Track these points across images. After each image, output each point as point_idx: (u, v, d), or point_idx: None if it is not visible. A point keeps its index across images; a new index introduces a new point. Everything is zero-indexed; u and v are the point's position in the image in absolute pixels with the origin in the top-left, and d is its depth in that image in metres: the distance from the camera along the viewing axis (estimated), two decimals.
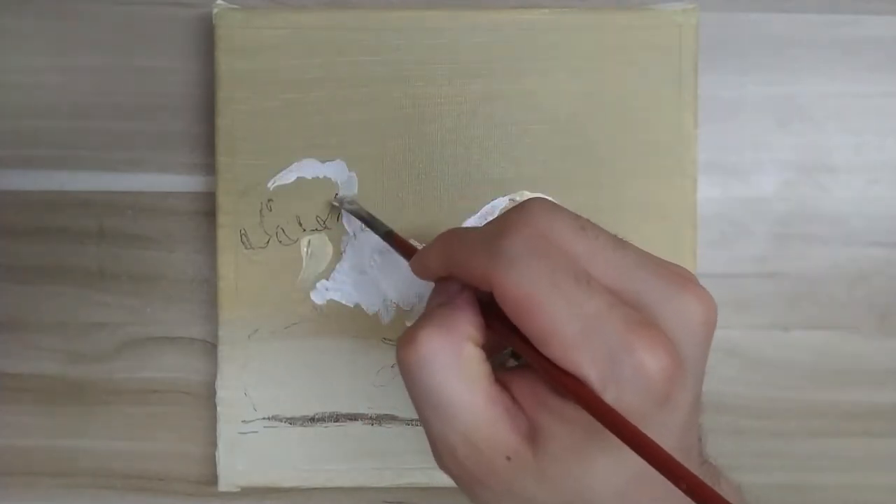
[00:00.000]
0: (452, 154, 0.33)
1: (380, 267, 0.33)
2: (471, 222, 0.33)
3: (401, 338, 0.22)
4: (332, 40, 0.33)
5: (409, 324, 0.33)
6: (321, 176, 0.33)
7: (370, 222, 0.31)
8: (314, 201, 0.33)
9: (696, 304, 0.21)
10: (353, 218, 0.33)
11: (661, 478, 0.18)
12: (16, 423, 0.35)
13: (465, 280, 0.23)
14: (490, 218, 0.33)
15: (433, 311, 0.23)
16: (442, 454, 0.23)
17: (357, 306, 0.33)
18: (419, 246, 0.26)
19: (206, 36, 0.34)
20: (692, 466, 0.23)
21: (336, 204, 0.32)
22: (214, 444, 0.33)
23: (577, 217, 0.22)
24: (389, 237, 0.30)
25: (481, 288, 0.22)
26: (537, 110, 0.33)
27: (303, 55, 0.33)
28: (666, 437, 0.20)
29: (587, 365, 0.20)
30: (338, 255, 0.33)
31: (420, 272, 0.24)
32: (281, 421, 0.33)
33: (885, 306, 0.35)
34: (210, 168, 0.34)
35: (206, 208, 0.34)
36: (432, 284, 0.25)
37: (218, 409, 0.33)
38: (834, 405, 0.35)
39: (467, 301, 0.23)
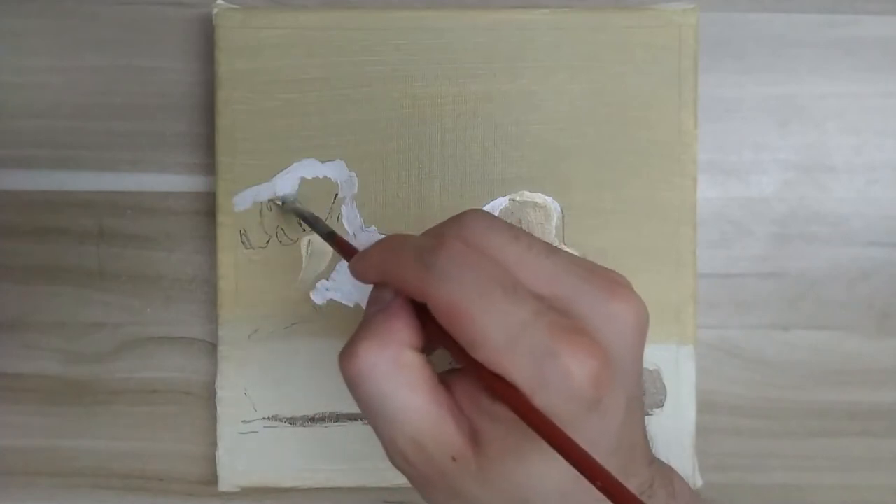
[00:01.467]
0: (452, 154, 0.33)
1: None
2: None
3: (342, 352, 0.23)
4: (332, 40, 0.33)
5: None
6: (321, 176, 0.33)
7: (312, 222, 0.31)
8: (314, 201, 0.33)
9: (625, 308, 0.22)
10: (353, 217, 0.33)
11: None
12: (16, 423, 0.35)
13: (401, 291, 0.23)
14: None
15: (370, 319, 0.24)
16: (394, 456, 0.23)
17: (357, 306, 0.33)
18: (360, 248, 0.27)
19: (206, 36, 0.34)
20: (638, 467, 0.24)
21: (279, 204, 0.33)
22: (214, 444, 0.33)
23: (511, 227, 0.23)
24: (331, 238, 0.29)
25: (416, 299, 0.23)
26: (537, 110, 0.33)
27: (303, 55, 0.33)
28: (601, 439, 0.22)
29: (515, 371, 0.21)
30: (338, 256, 0.33)
31: (358, 276, 0.25)
32: (281, 421, 0.33)
33: (885, 306, 0.35)
34: (210, 168, 0.34)
35: (206, 208, 0.34)
36: None
37: (218, 409, 0.33)
38: (834, 405, 0.35)
39: (402, 307, 0.23)
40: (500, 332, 0.21)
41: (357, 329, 0.23)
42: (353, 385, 0.23)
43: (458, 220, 0.23)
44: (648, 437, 0.26)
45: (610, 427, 0.22)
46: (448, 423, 0.22)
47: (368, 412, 0.23)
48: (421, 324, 0.23)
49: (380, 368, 0.22)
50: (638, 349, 0.23)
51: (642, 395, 0.25)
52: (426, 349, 0.24)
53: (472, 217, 0.23)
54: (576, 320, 0.22)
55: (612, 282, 0.23)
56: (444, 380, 0.24)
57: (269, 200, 0.33)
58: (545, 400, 0.21)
